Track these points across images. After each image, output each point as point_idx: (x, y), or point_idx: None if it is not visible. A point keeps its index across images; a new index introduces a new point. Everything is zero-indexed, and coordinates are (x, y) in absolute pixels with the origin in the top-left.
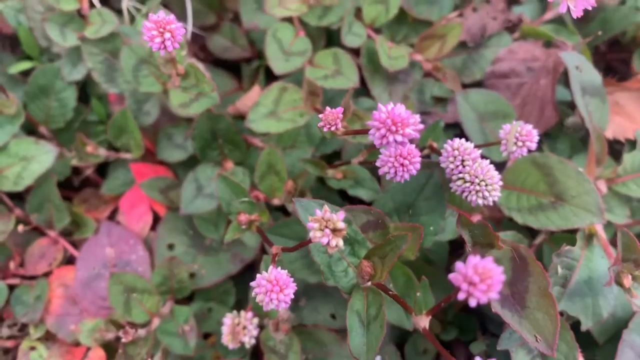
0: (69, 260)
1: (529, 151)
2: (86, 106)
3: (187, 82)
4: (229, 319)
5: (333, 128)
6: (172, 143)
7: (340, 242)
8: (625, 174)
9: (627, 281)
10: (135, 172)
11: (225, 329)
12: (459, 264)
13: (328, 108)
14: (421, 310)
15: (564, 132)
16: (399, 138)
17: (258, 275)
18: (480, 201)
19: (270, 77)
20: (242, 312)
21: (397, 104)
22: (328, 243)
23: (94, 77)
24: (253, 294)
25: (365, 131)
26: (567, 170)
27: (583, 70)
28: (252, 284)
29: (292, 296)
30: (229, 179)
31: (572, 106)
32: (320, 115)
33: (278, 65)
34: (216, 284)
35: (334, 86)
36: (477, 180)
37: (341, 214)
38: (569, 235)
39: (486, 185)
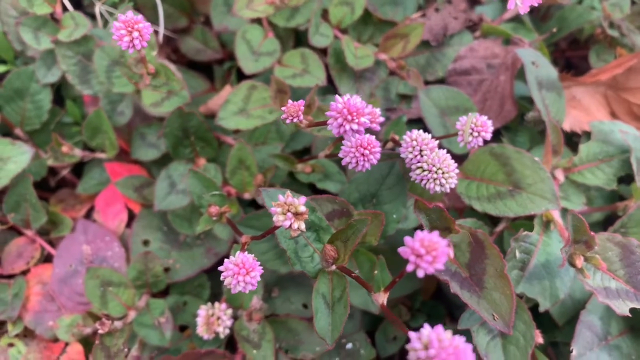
0: (47, 259)
1: (485, 141)
2: (61, 108)
3: (158, 81)
4: (203, 311)
5: (295, 120)
6: (146, 142)
7: (302, 225)
8: (581, 164)
9: (579, 262)
10: (110, 171)
11: (199, 320)
12: (407, 238)
13: (290, 101)
14: (379, 287)
15: (523, 126)
16: (355, 127)
17: (225, 260)
18: (437, 188)
19: (242, 77)
20: (217, 304)
21: (353, 95)
22: (290, 226)
23: (68, 79)
24: (221, 277)
25: (323, 123)
26: (524, 159)
27: (539, 66)
28: (220, 268)
29: (259, 278)
30: (200, 174)
31: (532, 101)
32: (283, 108)
33: (247, 65)
34: (191, 278)
35: (302, 84)
36: (434, 169)
37: (302, 199)
38: (529, 222)
39: (443, 173)
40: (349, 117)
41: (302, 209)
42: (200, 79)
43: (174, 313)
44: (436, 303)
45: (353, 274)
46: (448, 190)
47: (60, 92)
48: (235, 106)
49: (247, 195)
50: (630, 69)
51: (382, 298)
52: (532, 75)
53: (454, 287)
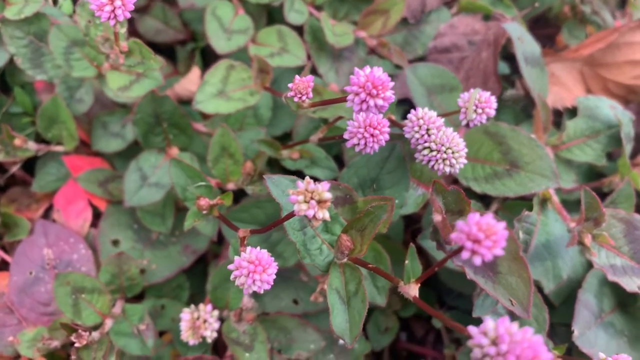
0: (1, 267)
1: (488, 118)
2: (7, 96)
3: (132, 60)
4: (187, 314)
5: (304, 97)
6: (108, 132)
7: (327, 214)
8: (568, 141)
9: (588, 240)
10: (70, 165)
11: (183, 325)
12: (460, 223)
13: (297, 77)
14: (410, 278)
15: (504, 104)
16: (380, 102)
17: (236, 258)
18: (447, 169)
19: (207, 59)
20: (201, 305)
21: (374, 67)
22: (314, 216)
23: (17, 64)
24: (232, 277)
25: (337, 100)
26: (520, 137)
27: (524, 41)
28: (231, 266)
29: (274, 276)
30: (183, 163)
31: (508, 79)
32: (290, 85)
33: (220, 44)
34: (168, 279)
35: (282, 64)
36: (443, 149)
37: (325, 184)
38: (522, 202)
39: (453, 152)
40: (374, 92)
41: (327, 195)
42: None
43: (152, 318)
44: (426, 290)
45: (370, 265)
46: (457, 171)
47: (4, 78)
48: (214, 88)
49: (230, 186)
50: (608, 45)
51: (415, 290)
52: (520, 51)
53: (469, 274)
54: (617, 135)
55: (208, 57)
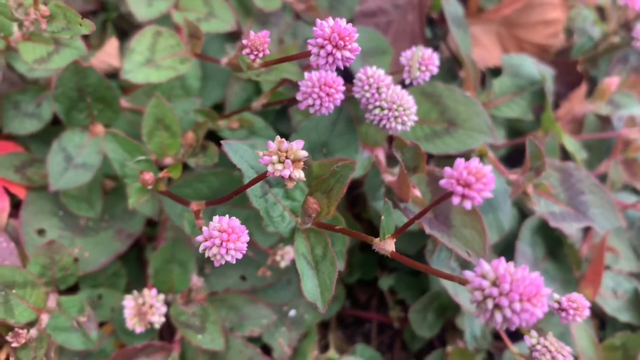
0: None
1: (431, 76)
2: None
3: (55, 26)
4: (130, 301)
5: (260, 54)
6: (22, 112)
7: (302, 174)
8: (495, 98)
9: (530, 189)
10: None
11: (127, 312)
12: (447, 169)
13: (252, 32)
14: (385, 234)
15: None
16: (347, 54)
17: (204, 228)
18: (399, 127)
19: (120, 31)
20: (145, 290)
21: (336, 18)
22: (290, 176)
23: None
24: (201, 249)
25: (295, 57)
26: (456, 96)
27: (449, 3)
28: (199, 238)
29: (246, 244)
30: (119, 136)
31: (430, 43)
32: (244, 42)
33: (140, 10)
34: (104, 266)
35: (210, 30)
36: (394, 107)
37: (300, 142)
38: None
39: (404, 110)
40: (340, 43)
41: (303, 153)
42: None
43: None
44: (366, 254)
45: (337, 227)
46: (408, 129)
47: None
48: (141, 56)
49: (168, 160)
50: (522, 6)
51: (391, 246)
52: (447, 11)
53: (427, 229)
54: (540, 91)
55: (121, 29)
